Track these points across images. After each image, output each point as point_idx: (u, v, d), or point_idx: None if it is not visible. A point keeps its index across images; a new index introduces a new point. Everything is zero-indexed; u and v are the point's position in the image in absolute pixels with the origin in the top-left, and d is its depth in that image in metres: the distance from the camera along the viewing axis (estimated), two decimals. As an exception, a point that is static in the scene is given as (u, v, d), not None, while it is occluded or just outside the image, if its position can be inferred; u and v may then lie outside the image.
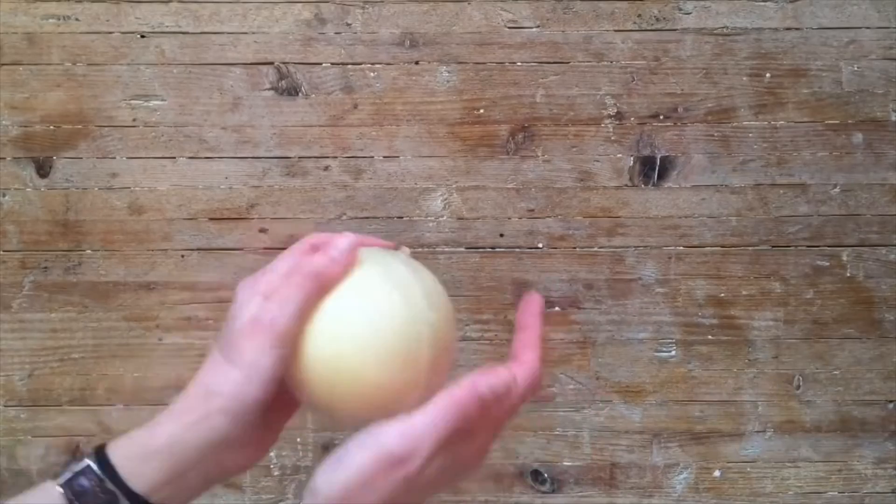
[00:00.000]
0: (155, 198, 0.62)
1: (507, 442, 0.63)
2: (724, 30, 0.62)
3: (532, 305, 0.38)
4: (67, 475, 0.35)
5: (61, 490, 0.35)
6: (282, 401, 0.40)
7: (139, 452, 0.35)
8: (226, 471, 0.38)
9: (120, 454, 0.36)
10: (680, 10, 0.62)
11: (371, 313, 0.34)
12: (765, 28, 0.62)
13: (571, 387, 0.63)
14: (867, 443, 0.64)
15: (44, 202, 0.62)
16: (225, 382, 0.35)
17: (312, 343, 0.35)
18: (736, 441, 0.64)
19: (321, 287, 0.35)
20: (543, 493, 0.63)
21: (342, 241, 0.35)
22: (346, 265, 0.35)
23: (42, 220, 0.62)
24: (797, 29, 0.63)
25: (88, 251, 0.62)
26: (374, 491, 0.34)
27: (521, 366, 0.36)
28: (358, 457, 0.33)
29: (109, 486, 0.35)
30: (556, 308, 0.63)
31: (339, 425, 0.48)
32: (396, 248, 0.39)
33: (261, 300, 0.35)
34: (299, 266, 0.35)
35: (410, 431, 0.34)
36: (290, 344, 0.35)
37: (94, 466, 0.35)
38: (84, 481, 0.35)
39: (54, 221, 0.62)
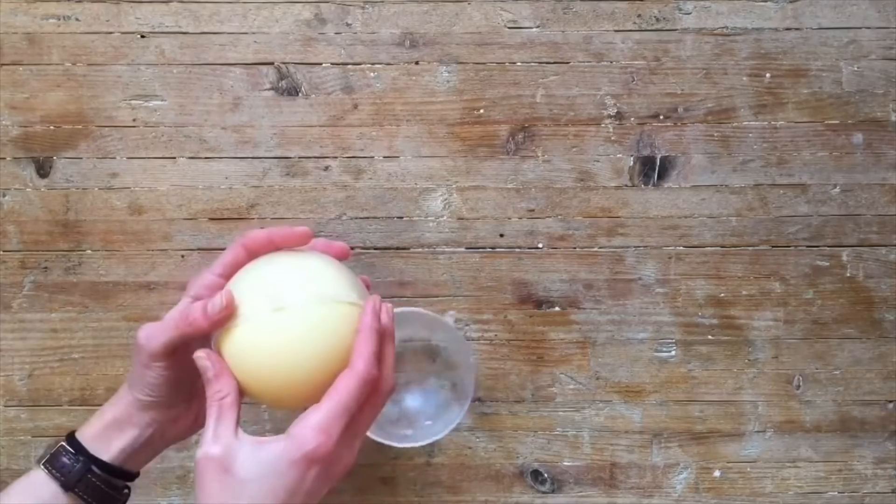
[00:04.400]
0: (155, 198, 0.62)
1: (507, 442, 0.63)
2: (724, 30, 0.62)
3: (367, 312, 0.45)
4: (46, 456, 0.46)
5: (44, 468, 0.46)
6: None
7: (97, 432, 0.47)
8: (169, 440, 0.49)
9: (84, 436, 0.47)
10: (680, 10, 0.62)
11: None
12: (765, 28, 0.62)
13: (571, 387, 0.63)
14: (867, 443, 0.64)
15: (44, 202, 0.62)
16: (135, 383, 0.47)
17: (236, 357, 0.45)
18: (736, 441, 0.64)
19: (194, 328, 0.45)
20: (543, 493, 0.63)
21: (217, 299, 0.44)
22: (219, 320, 0.44)
23: (42, 220, 0.62)
24: (797, 29, 0.63)
25: (88, 251, 0.62)
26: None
27: (350, 370, 0.43)
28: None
29: (81, 457, 0.46)
30: (556, 308, 0.63)
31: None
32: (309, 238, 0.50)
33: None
34: (183, 314, 0.46)
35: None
36: (162, 358, 0.46)
37: (67, 446, 0.46)
38: (63, 459, 0.46)
39: (54, 221, 0.62)
